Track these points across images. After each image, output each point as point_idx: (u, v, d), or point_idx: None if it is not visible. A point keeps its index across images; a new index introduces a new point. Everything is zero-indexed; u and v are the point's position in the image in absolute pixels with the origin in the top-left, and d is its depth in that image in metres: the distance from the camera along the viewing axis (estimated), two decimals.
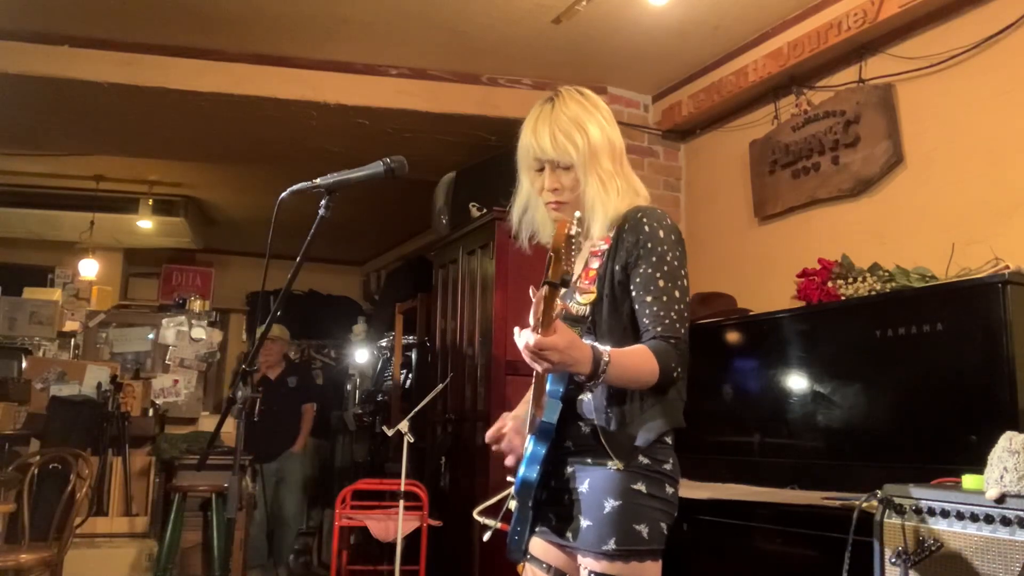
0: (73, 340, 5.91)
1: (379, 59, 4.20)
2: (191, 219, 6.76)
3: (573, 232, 1.31)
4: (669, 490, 1.59)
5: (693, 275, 1.70)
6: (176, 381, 5.66)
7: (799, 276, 3.25)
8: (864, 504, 1.99)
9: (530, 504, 1.59)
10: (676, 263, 1.59)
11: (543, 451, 1.55)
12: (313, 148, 4.90)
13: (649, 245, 1.58)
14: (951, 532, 1.79)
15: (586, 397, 1.60)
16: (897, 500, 1.92)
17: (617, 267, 1.61)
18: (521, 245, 1.80)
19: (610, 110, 1.74)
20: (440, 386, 4.15)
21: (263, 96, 4.13)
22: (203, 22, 3.79)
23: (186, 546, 4.54)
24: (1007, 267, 2.58)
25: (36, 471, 3.93)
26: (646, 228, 1.59)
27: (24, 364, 5.11)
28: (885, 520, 1.93)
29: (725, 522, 2.62)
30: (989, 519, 1.72)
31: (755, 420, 3.11)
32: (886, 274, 2.95)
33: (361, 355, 7.29)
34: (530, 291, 1.34)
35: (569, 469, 1.62)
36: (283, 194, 1.84)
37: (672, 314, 1.55)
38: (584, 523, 1.56)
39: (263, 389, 5.48)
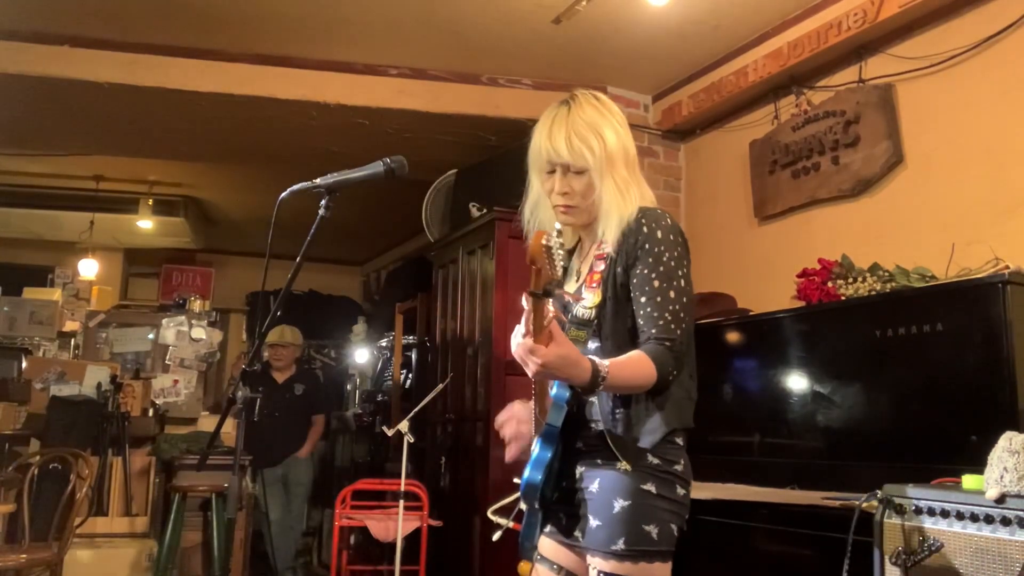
0: (73, 340, 5.90)
1: (379, 59, 4.20)
2: (191, 219, 6.76)
3: (553, 244, 1.26)
4: (680, 491, 1.59)
5: (693, 275, 1.69)
6: (176, 381, 5.65)
7: (799, 276, 3.25)
8: (864, 504, 1.99)
9: (536, 506, 1.59)
10: (673, 263, 1.59)
11: (548, 455, 1.56)
12: (313, 148, 4.90)
13: (647, 246, 1.58)
14: (951, 532, 1.79)
15: (594, 399, 1.60)
16: (897, 500, 1.92)
17: (619, 270, 1.61)
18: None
19: (624, 116, 1.72)
20: (440, 386, 4.15)
21: (263, 96, 4.13)
22: (203, 22, 3.79)
23: (186, 546, 4.53)
24: (1007, 267, 2.58)
25: (36, 471, 3.92)
26: (644, 229, 1.59)
27: (24, 364, 5.10)
28: (885, 520, 1.93)
29: (725, 522, 2.62)
30: (989, 519, 1.72)
31: (755, 420, 3.11)
32: (886, 274, 2.95)
33: (361, 355, 7.29)
34: (522, 298, 1.33)
35: (580, 469, 1.63)
36: (283, 194, 1.84)
37: (667, 315, 1.55)
38: (594, 523, 1.56)
39: (267, 391, 5.44)
